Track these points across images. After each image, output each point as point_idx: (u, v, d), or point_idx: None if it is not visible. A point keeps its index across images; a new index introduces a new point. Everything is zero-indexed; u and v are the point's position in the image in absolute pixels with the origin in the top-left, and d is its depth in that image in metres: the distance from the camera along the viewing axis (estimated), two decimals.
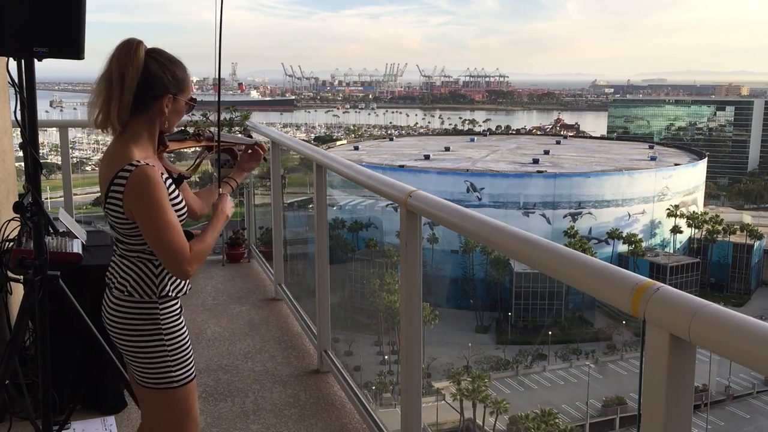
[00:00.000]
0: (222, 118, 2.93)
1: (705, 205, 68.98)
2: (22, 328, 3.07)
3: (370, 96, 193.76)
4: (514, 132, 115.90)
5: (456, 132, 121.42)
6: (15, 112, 2.97)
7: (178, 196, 2.33)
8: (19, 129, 2.94)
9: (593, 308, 49.80)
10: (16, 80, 2.89)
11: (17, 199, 3.04)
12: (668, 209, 60.38)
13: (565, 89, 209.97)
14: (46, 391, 3.06)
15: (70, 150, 7.47)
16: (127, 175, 2.18)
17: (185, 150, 2.75)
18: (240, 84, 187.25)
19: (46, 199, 4.84)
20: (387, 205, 39.72)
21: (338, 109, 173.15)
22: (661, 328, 1.56)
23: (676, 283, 48.60)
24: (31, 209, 2.93)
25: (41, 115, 3.57)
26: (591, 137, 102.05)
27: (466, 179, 58.95)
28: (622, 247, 57.17)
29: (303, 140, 6.23)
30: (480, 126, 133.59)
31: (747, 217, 67.81)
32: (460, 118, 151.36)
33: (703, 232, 61.53)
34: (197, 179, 2.69)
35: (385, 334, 44.58)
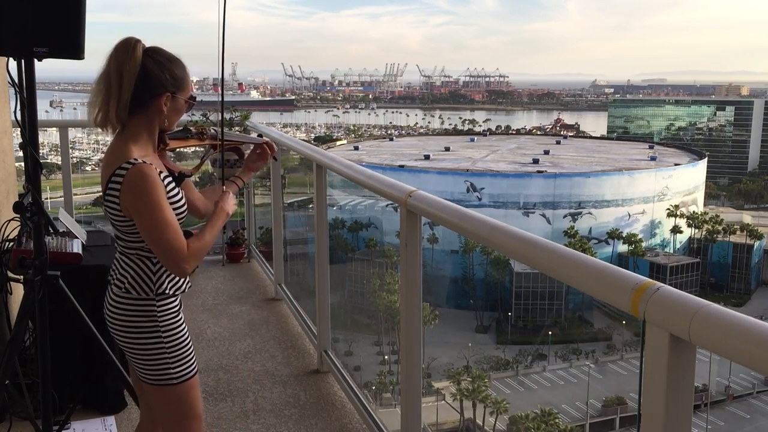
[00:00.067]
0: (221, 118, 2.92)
1: (705, 205, 68.98)
2: (22, 328, 3.07)
3: (370, 96, 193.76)
4: (514, 132, 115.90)
5: (456, 132, 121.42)
6: (15, 112, 2.97)
7: (177, 194, 2.33)
8: (19, 129, 2.94)
9: (593, 308, 49.79)
10: (16, 80, 2.90)
11: (17, 199, 3.04)
12: (668, 209, 60.38)
13: (565, 89, 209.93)
14: (46, 391, 3.06)
15: (70, 150, 7.47)
16: (123, 173, 2.19)
17: (185, 150, 2.74)
18: (240, 84, 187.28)
19: (46, 199, 4.84)
20: (387, 205, 39.72)
21: (338, 109, 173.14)
22: (661, 328, 1.56)
23: (676, 283, 48.61)
24: (31, 209, 2.93)
25: (41, 115, 3.57)
26: (591, 137, 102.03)
27: (466, 179, 58.95)
28: (622, 247, 57.17)
29: (303, 140, 6.23)
30: (480, 126, 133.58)
31: (747, 217, 67.81)
32: (460, 118, 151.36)
33: (703, 232, 61.53)
34: (197, 179, 2.68)
35: (385, 334, 44.58)
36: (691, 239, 62.26)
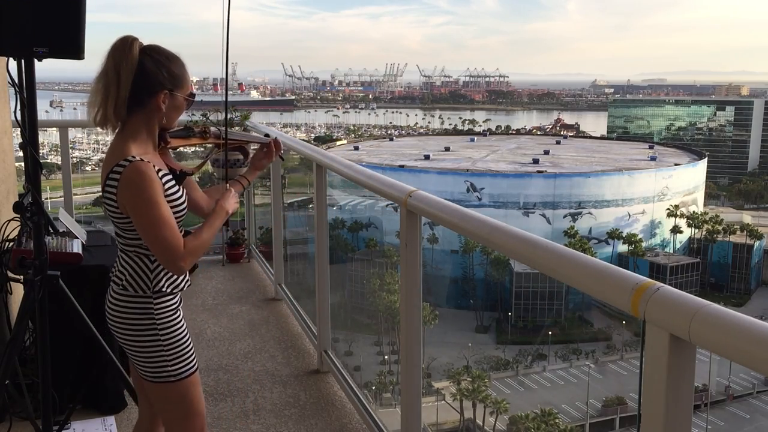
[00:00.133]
0: (221, 118, 2.92)
1: (705, 205, 68.95)
2: (22, 328, 3.07)
3: (370, 96, 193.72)
4: (514, 132, 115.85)
5: (456, 132, 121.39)
6: (15, 112, 2.97)
7: (177, 191, 2.33)
8: (19, 129, 2.94)
9: (593, 308, 49.78)
10: (16, 80, 2.90)
11: (17, 199, 3.04)
12: (668, 209, 60.36)
13: (565, 89, 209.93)
14: (46, 391, 3.06)
15: (70, 150, 7.47)
16: (120, 170, 2.20)
17: (185, 149, 2.73)
18: (240, 84, 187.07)
19: (46, 199, 4.84)
20: (387, 205, 39.71)
21: (338, 109, 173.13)
22: (661, 328, 1.56)
23: (676, 283, 48.60)
24: (31, 209, 2.93)
25: (41, 115, 3.57)
26: (591, 137, 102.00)
27: (466, 179, 58.93)
28: (622, 247, 57.15)
29: (303, 140, 6.23)
30: (480, 126, 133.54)
31: (747, 217, 67.80)
32: (460, 118, 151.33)
33: (703, 232, 61.51)
34: (197, 179, 2.67)
35: (385, 334, 44.57)
36: (691, 239, 62.25)
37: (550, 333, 47.95)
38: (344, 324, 39.84)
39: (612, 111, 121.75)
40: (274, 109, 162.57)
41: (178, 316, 2.41)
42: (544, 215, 57.41)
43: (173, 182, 2.33)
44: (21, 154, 3.01)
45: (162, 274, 2.34)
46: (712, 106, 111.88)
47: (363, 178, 3.69)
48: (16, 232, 3.44)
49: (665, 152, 72.23)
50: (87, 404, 3.78)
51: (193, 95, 2.38)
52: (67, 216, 4.00)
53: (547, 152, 69.46)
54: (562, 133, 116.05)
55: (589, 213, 57.94)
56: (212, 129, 2.63)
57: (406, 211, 3.01)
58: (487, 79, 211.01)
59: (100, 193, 2.29)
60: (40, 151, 3.08)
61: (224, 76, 2.61)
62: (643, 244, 57.36)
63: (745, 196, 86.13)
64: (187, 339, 2.43)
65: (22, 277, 3.38)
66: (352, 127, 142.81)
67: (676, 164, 63.90)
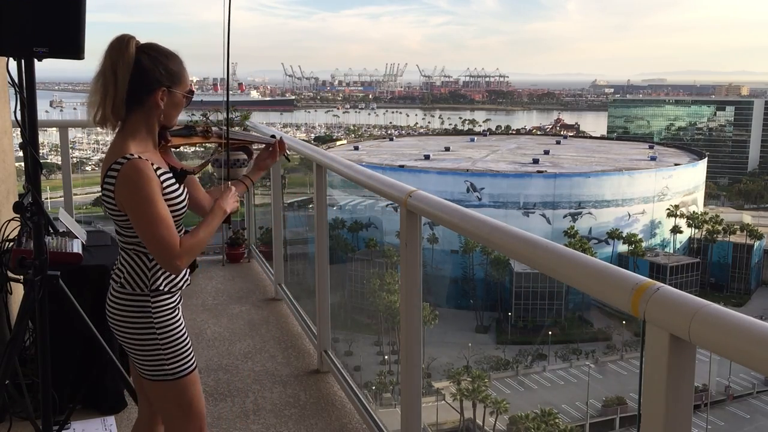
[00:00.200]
0: (221, 118, 2.91)
1: (705, 205, 68.96)
2: (22, 328, 3.07)
3: (370, 96, 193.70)
4: (514, 132, 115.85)
5: (456, 132, 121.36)
6: (15, 112, 2.97)
7: (176, 190, 2.33)
8: (19, 129, 2.94)
9: (593, 308, 49.78)
10: (16, 80, 2.90)
11: (17, 199, 3.04)
12: (668, 209, 60.37)
13: (565, 89, 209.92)
14: (46, 391, 3.06)
15: (70, 150, 7.47)
16: (118, 167, 2.20)
17: (186, 149, 2.73)
18: (240, 84, 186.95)
19: (46, 199, 4.84)
20: (387, 205, 39.71)
21: (338, 109, 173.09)
22: (661, 328, 1.56)
23: (676, 283, 48.60)
24: (31, 209, 2.93)
25: (41, 115, 3.57)
26: (591, 137, 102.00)
27: (466, 179, 58.93)
28: (622, 247, 57.16)
29: (303, 140, 6.22)
30: (480, 126, 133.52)
31: (747, 217, 67.79)
32: (460, 118, 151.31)
33: (703, 232, 61.51)
34: (197, 179, 2.66)
35: (385, 334, 44.57)
36: (691, 239, 62.25)
37: (550, 333, 47.95)
38: (344, 324, 39.84)
39: (612, 111, 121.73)
40: (274, 109, 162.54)
41: (177, 315, 2.41)
42: (544, 215, 57.41)
43: (173, 180, 2.32)
44: (21, 154, 3.01)
45: (160, 272, 2.34)
46: (712, 106, 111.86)
47: (363, 178, 3.69)
48: (16, 232, 3.44)
49: (665, 152, 72.23)
50: (87, 404, 3.78)
51: (191, 92, 2.38)
52: (67, 216, 4.00)
53: (547, 152, 69.47)
54: (562, 133, 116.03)
55: (589, 213, 57.94)
56: (215, 129, 2.62)
57: (406, 211, 3.01)
58: (487, 79, 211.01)
59: (100, 193, 2.30)
60: (40, 151, 3.08)
61: (225, 76, 2.61)
62: (643, 244, 57.37)
63: (745, 196, 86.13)
64: (185, 338, 2.42)
65: (22, 277, 3.38)
66: (352, 127, 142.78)
67: (676, 164, 63.90)
